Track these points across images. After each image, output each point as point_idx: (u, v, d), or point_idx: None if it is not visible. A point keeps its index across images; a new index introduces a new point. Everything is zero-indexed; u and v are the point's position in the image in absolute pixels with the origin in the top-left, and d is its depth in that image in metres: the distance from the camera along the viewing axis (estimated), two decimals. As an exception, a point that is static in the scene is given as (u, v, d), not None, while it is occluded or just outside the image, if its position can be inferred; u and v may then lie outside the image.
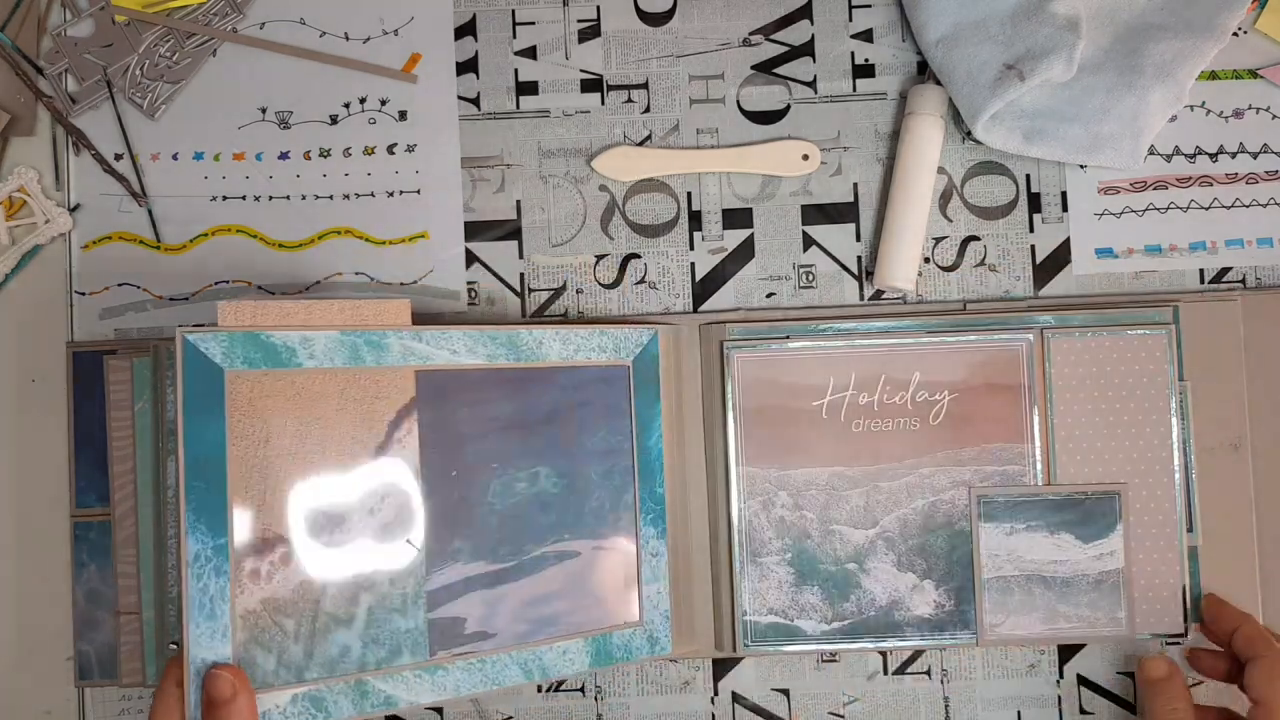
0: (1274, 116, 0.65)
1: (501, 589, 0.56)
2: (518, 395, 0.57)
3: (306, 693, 0.51)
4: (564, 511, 0.58)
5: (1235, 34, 0.64)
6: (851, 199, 0.65)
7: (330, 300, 0.53)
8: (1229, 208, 0.64)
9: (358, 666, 0.52)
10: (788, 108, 0.65)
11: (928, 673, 0.63)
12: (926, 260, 0.64)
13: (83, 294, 0.63)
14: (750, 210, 0.64)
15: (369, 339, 0.53)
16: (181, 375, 0.49)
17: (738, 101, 0.65)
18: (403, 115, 0.64)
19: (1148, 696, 0.58)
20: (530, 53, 0.65)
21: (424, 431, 0.54)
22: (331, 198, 0.64)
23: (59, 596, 0.62)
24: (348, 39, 0.64)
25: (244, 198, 0.64)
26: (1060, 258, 0.64)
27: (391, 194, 0.64)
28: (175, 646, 0.56)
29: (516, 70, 0.65)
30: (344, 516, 0.52)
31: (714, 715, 0.63)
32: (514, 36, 0.65)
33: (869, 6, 0.65)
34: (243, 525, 0.50)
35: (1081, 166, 0.64)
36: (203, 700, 0.48)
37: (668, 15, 0.65)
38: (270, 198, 0.64)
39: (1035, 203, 0.64)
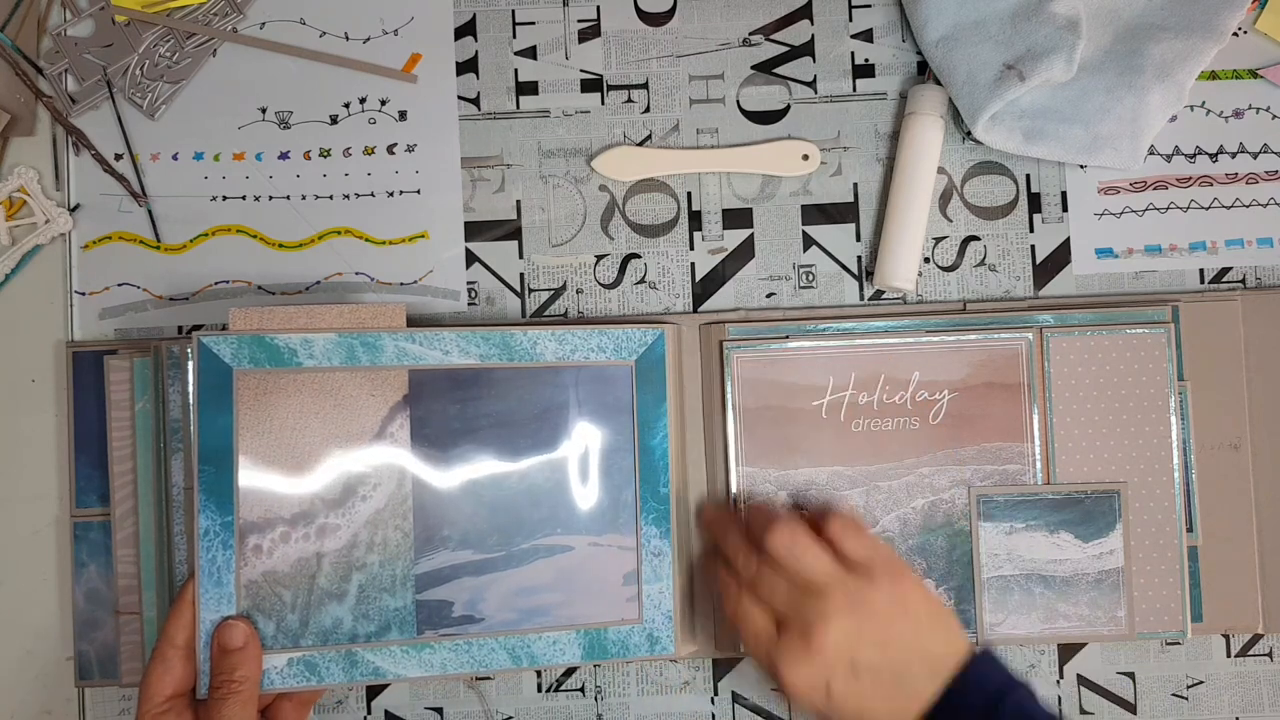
0: (1274, 116, 0.65)
1: (488, 577, 0.58)
2: (510, 393, 0.59)
3: (301, 657, 0.56)
4: (556, 507, 0.59)
5: (1235, 34, 0.64)
6: (851, 199, 0.65)
7: (330, 305, 0.57)
8: (1229, 208, 0.64)
9: (349, 638, 0.57)
10: (788, 108, 0.65)
11: (928, 672, 0.63)
12: (926, 260, 0.64)
13: (83, 294, 0.63)
14: (750, 210, 0.64)
15: (364, 340, 0.57)
16: (196, 373, 0.55)
17: (738, 101, 0.65)
18: (403, 115, 0.64)
19: (709, 537, 0.59)
20: (530, 53, 0.65)
21: (415, 426, 0.58)
22: (331, 198, 0.64)
23: (59, 596, 0.62)
24: (348, 39, 0.64)
25: (244, 198, 0.64)
26: (1060, 258, 0.64)
27: (391, 194, 0.64)
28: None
29: (516, 70, 0.65)
30: (338, 501, 0.57)
31: (714, 715, 0.63)
32: (514, 36, 0.65)
33: (869, 6, 0.65)
34: (247, 506, 0.55)
35: (1081, 166, 0.64)
36: (214, 649, 0.53)
37: (668, 15, 0.65)
38: (270, 198, 0.64)
39: (1035, 203, 0.64)
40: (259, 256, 0.64)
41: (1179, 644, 0.62)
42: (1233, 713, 0.63)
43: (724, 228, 0.64)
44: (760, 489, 0.61)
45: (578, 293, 0.64)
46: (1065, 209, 0.64)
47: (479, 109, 0.65)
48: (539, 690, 0.63)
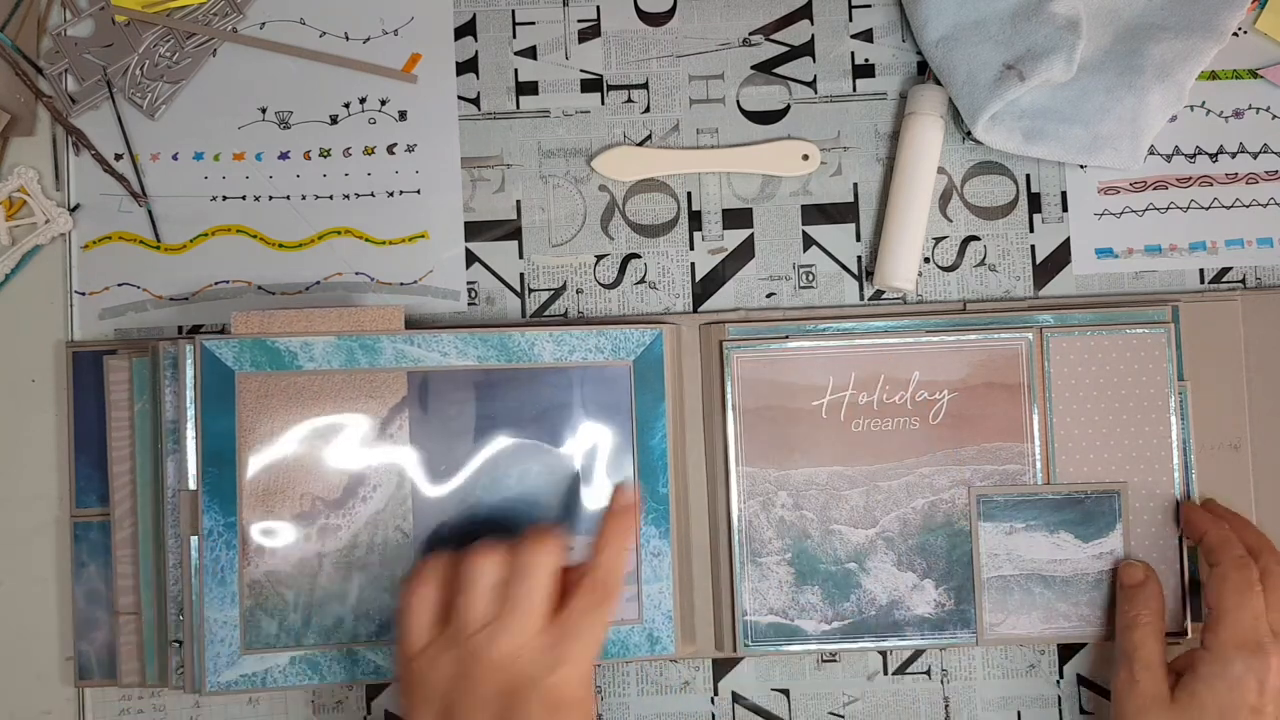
0: (1274, 116, 0.65)
1: None
2: (509, 394, 0.59)
3: (303, 656, 0.57)
4: (556, 507, 0.59)
5: (1235, 34, 0.64)
6: (851, 199, 0.65)
7: (329, 309, 0.58)
8: (1229, 208, 0.64)
9: (350, 637, 0.58)
10: (788, 108, 0.65)
11: (928, 673, 0.63)
12: (926, 260, 0.64)
13: (83, 294, 0.63)
14: (750, 210, 0.64)
15: (363, 343, 0.58)
16: (199, 376, 0.56)
17: (738, 101, 0.65)
18: (403, 115, 0.64)
19: (1120, 601, 0.59)
20: (530, 53, 0.65)
21: (414, 427, 0.58)
22: (331, 198, 0.64)
23: (59, 596, 0.62)
24: (348, 39, 0.64)
25: (244, 198, 0.64)
26: (1060, 258, 0.64)
27: (391, 194, 0.64)
28: (178, 644, 0.57)
29: (516, 70, 0.65)
30: (339, 502, 0.58)
31: (714, 715, 0.63)
32: (514, 36, 0.65)
33: (869, 6, 0.65)
34: (249, 506, 0.57)
35: (1081, 166, 0.64)
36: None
37: (668, 15, 0.65)
38: (270, 198, 0.64)
39: (1035, 203, 0.64)
40: (259, 256, 0.64)
41: (1179, 644, 0.62)
42: (1233, 713, 0.63)
43: (724, 228, 0.64)
44: (762, 489, 0.61)
45: (578, 293, 0.64)
46: (1065, 209, 0.64)
47: (479, 109, 0.64)
48: (539, 690, 0.63)
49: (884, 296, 0.64)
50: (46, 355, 0.63)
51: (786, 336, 0.61)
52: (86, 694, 0.62)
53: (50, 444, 0.62)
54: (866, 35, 0.65)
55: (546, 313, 0.64)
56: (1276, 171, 0.64)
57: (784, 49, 0.65)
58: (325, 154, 0.64)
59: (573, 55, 0.65)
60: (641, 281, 0.64)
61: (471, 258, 0.64)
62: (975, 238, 0.64)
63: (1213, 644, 0.55)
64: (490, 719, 0.48)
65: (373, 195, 0.64)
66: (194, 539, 0.56)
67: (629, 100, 0.65)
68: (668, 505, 0.60)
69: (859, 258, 0.64)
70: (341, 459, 0.58)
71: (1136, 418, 0.61)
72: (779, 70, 0.65)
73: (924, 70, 0.64)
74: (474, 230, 0.64)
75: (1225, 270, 0.64)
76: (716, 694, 0.63)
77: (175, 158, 0.64)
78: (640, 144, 0.64)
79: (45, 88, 0.64)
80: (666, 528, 0.60)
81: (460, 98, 0.64)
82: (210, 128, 0.64)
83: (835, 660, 0.63)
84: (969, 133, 0.63)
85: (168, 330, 0.63)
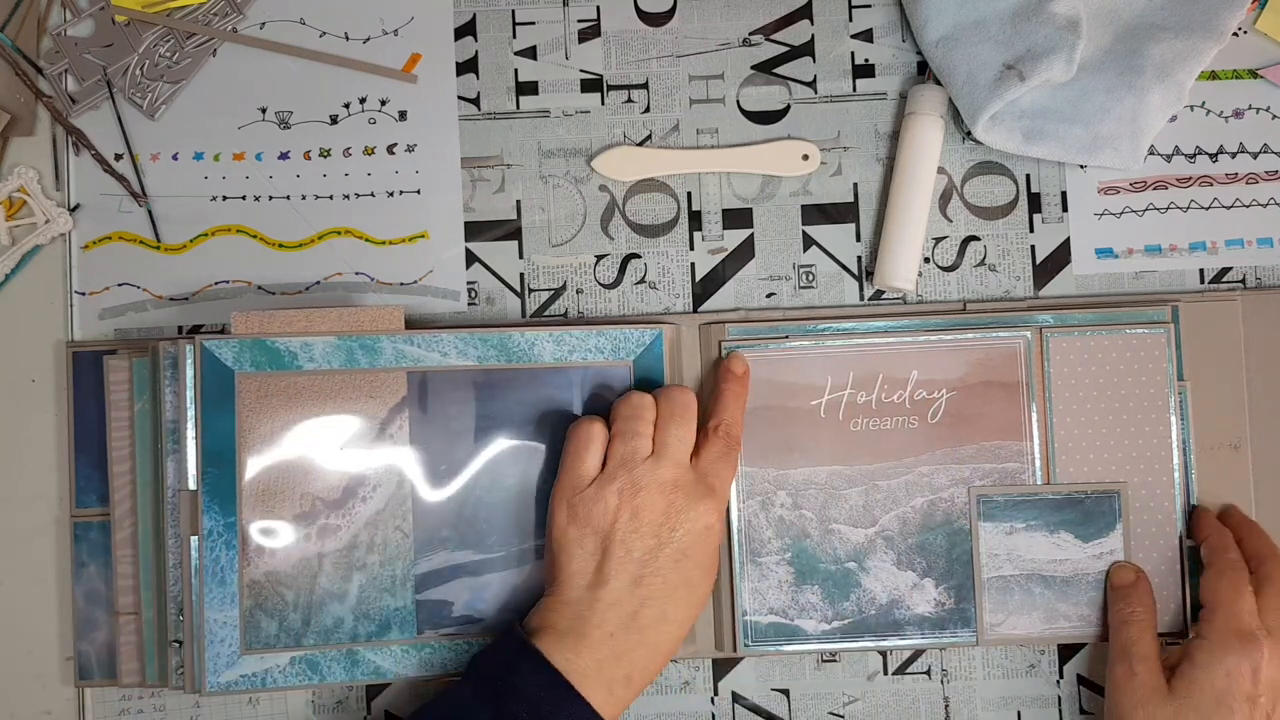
0: (1274, 116, 0.65)
1: (487, 577, 0.59)
2: (509, 394, 0.59)
3: (303, 656, 0.57)
4: None
5: (1235, 34, 0.64)
6: (851, 199, 0.65)
7: (329, 308, 0.58)
8: (1229, 208, 0.64)
9: (350, 637, 0.58)
10: (788, 108, 0.65)
11: (928, 672, 0.63)
12: (926, 260, 0.64)
13: (83, 294, 0.63)
14: (750, 210, 0.64)
15: (363, 343, 0.58)
16: (199, 376, 0.56)
17: (738, 101, 0.65)
18: (403, 115, 0.64)
19: (1113, 600, 0.59)
20: (530, 53, 0.65)
21: (414, 427, 0.58)
22: (331, 198, 0.64)
23: (59, 596, 0.62)
24: (348, 39, 0.64)
25: (244, 198, 0.64)
26: (1060, 258, 0.64)
27: (391, 194, 0.64)
28: (178, 644, 0.57)
29: (516, 70, 0.65)
30: (339, 502, 0.57)
31: (714, 715, 0.63)
32: (514, 36, 0.65)
33: (869, 6, 0.65)
34: (249, 507, 0.57)
35: (1081, 166, 0.64)
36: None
37: (668, 15, 0.65)
38: (270, 198, 0.64)
39: (1035, 203, 0.64)
40: (259, 256, 0.64)
41: (1179, 644, 0.62)
42: (1232, 713, 0.63)
43: (724, 228, 0.64)
44: (761, 489, 0.61)
45: (578, 293, 0.64)
46: (1065, 209, 0.64)
47: (479, 109, 0.65)
48: (539, 690, 0.63)
49: (884, 296, 0.64)
50: (46, 355, 0.63)
51: (786, 336, 0.61)
52: (86, 694, 0.62)
53: (50, 444, 0.62)
54: (866, 35, 0.65)
55: (546, 313, 0.64)
56: (1276, 171, 0.64)
57: (784, 49, 0.65)
58: (325, 154, 0.64)
59: (573, 55, 0.65)
60: (641, 281, 0.64)
61: (471, 258, 0.64)
62: (975, 238, 0.64)
63: (1209, 633, 0.56)
64: (650, 540, 0.54)
65: (373, 195, 0.64)
66: (194, 539, 0.56)
67: (629, 100, 0.65)
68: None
69: (859, 258, 0.64)
70: (341, 459, 0.58)
71: (1136, 418, 0.61)
72: (779, 70, 0.65)
73: (924, 70, 0.64)
74: (474, 230, 0.64)
75: (1225, 270, 0.64)
76: (716, 694, 0.63)
77: (175, 158, 0.64)
78: (640, 144, 0.64)
79: (45, 88, 0.64)
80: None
81: (460, 98, 0.64)
82: (210, 128, 0.64)
83: (835, 660, 0.63)
84: (969, 133, 0.63)
85: (168, 330, 0.63)
